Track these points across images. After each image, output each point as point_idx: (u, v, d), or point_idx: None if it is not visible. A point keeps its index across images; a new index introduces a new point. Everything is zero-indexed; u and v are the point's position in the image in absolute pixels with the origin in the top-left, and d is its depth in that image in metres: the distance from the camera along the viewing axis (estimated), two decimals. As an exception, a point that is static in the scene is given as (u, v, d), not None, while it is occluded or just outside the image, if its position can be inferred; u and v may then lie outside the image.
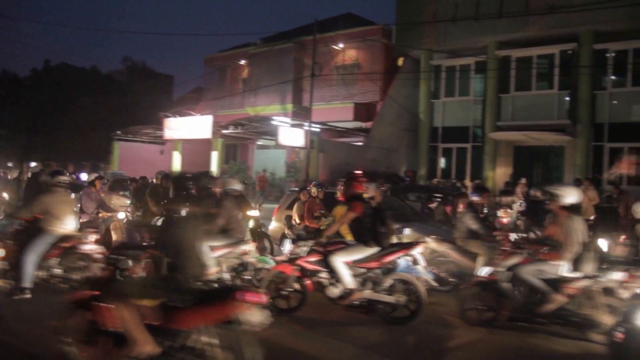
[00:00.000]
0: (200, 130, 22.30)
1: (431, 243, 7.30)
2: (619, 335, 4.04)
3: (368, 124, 23.39)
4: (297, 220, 8.95)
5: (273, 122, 20.99)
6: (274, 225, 10.57)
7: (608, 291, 5.74)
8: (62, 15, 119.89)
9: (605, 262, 7.82)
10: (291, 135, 21.11)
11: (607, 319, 5.54)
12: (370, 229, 6.28)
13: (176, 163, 24.85)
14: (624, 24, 17.52)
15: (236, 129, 22.65)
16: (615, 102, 18.93)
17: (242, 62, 28.69)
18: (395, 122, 23.07)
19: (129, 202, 11.53)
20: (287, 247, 6.72)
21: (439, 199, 12.13)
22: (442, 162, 22.51)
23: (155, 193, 10.00)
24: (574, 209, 5.97)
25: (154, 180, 10.63)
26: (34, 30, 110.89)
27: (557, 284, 5.75)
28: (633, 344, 3.92)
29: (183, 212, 4.30)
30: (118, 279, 4.03)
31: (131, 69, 49.63)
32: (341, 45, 24.79)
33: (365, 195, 7.80)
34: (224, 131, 22.84)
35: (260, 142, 27.02)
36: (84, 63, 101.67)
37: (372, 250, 6.26)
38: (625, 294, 5.76)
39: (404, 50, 22.88)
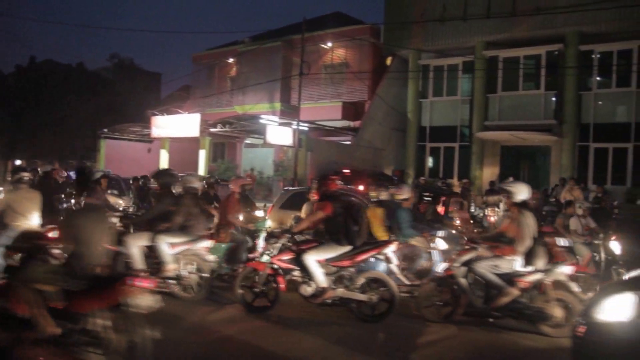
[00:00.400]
0: (188, 129, 22.18)
1: (482, 249, 7.00)
2: (580, 329, 4.14)
3: (356, 123, 23.42)
4: None
5: (261, 121, 20.93)
6: (268, 224, 10.48)
7: (559, 284, 6.00)
8: (47, 11, 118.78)
9: (616, 264, 7.97)
10: (279, 134, 21.07)
11: (558, 312, 5.83)
12: (343, 227, 6.33)
13: (163, 161, 24.69)
14: (609, 25, 17.73)
15: (224, 127, 22.56)
16: (600, 102, 19.15)
17: (231, 60, 28.58)
18: (383, 122, 23.13)
19: (121, 201, 11.40)
20: (261, 244, 6.79)
21: (429, 199, 12.18)
22: (429, 162, 22.62)
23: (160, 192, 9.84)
24: (525, 204, 6.22)
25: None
26: (18, 26, 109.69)
27: (510, 278, 5.97)
28: (593, 337, 4.02)
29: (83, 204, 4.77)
30: (26, 266, 4.24)
31: (118, 67, 49.28)
32: (329, 44, 24.79)
33: (399, 197, 7.93)
34: (212, 129, 22.74)
35: (248, 141, 26.94)
36: (70, 60, 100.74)
37: (345, 249, 6.31)
38: (575, 287, 6.07)
39: (392, 50, 22.94)
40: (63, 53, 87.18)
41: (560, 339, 5.57)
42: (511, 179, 16.15)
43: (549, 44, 18.83)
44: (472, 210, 11.43)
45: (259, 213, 9.49)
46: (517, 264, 6.06)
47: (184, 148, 25.34)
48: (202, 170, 23.36)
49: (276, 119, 21.83)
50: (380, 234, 7.24)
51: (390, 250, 6.88)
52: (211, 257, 7.09)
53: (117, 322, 4.13)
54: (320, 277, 6.20)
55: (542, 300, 5.90)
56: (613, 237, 8.42)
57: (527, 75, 19.80)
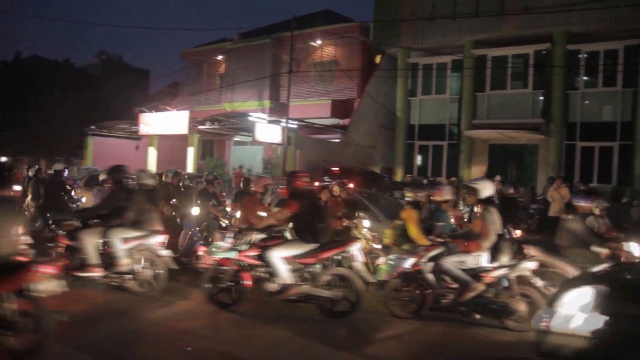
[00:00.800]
0: (177, 126, 22.06)
1: (540, 256, 7.03)
2: (544, 322, 4.28)
3: (345, 121, 23.44)
4: None
5: (250, 118, 20.88)
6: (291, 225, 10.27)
7: (523, 279, 6.13)
8: (34, 6, 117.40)
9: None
10: (268, 131, 21.03)
11: (522, 307, 5.94)
12: (309, 225, 6.42)
13: (152, 159, 24.56)
14: (595, 25, 17.89)
15: (213, 124, 22.48)
16: (587, 102, 19.32)
17: (220, 57, 28.46)
18: (372, 119, 23.17)
19: (84, 198, 11.28)
20: (229, 240, 6.87)
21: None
22: (418, 160, 22.70)
23: (166, 192, 9.71)
24: (490, 201, 6.35)
25: (164, 179, 10.36)
26: (4, 20, 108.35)
27: (476, 273, 6.09)
28: (556, 329, 4.18)
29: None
30: None
31: (106, 63, 48.88)
32: (319, 42, 24.78)
33: (438, 199, 7.78)
34: (201, 127, 22.65)
35: (237, 138, 26.87)
36: (57, 56, 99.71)
37: (310, 246, 6.38)
38: (539, 282, 6.20)
39: (381, 48, 22.98)
40: (49, 49, 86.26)
41: (525, 333, 5.68)
42: (498, 177, 16.28)
43: (537, 44, 18.96)
44: (461, 209, 11.47)
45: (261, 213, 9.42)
46: (482, 259, 6.18)
47: (172, 145, 25.21)
48: (190, 168, 23.28)
49: (265, 116, 21.79)
50: (417, 236, 7.14)
51: (356, 248, 6.99)
52: (165, 252, 7.15)
53: (23, 305, 4.42)
54: (285, 273, 6.26)
55: (507, 295, 6.02)
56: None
57: (515, 74, 19.93)
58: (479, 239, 6.18)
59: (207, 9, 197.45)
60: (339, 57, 25.01)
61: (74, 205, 11.47)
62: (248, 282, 6.46)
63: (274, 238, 6.79)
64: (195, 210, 9.43)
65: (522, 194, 15.47)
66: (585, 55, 19.11)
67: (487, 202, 6.34)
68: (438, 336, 5.92)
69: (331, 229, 6.87)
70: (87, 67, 48.52)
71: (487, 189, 6.40)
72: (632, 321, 3.89)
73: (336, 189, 8.87)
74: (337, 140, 22.88)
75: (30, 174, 11.49)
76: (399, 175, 21.46)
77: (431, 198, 8.08)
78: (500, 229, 6.23)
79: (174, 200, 9.73)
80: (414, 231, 7.18)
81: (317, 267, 6.41)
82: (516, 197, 13.63)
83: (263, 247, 6.47)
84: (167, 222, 8.75)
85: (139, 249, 7.06)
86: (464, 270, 6.12)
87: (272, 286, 6.34)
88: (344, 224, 8.58)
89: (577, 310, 4.09)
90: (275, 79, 25.15)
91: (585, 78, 19.66)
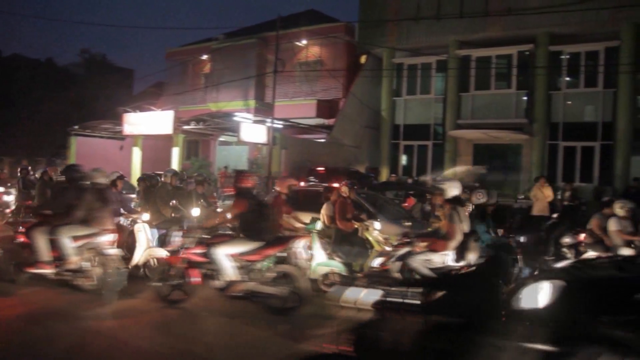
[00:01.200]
0: (161, 126, 21.88)
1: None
2: (503, 317, 4.36)
3: (331, 121, 23.45)
4: (327, 222, 8.54)
5: (235, 118, 20.79)
6: (319, 226, 10.20)
7: None
8: (14, 4, 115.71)
9: None
10: (253, 131, 20.96)
11: None
12: (255, 223, 6.56)
13: (136, 159, 24.34)
14: (576, 27, 18.13)
15: (198, 124, 22.34)
16: (569, 102, 19.56)
17: (204, 57, 28.31)
18: (358, 119, 23.21)
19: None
20: (177, 238, 6.97)
21: (414, 197, 12.31)
22: (403, 159, 22.80)
23: (165, 192, 9.60)
24: (457, 201, 6.49)
25: (163, 179, 10.26)
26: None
27: (443, 272, 6.11)
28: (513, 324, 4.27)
29: None
30: None
31: (89, 62, 48.30)
32: (304, 42, 24.76)
33: (485, 202, 7.66)
34: (185, 127, 22.49)
35: (222, 138, 26.74)
36: (39, 55, 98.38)
37: (256, 244, 6.50)
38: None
39: (366, 48, 23.04)
40: (31, 48, 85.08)
41: None
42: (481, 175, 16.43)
43: (520, 44, 19.16)
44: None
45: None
46: (449, 258, 6.30)
47: (157, 145, 25.00)
48: (175, 168, 23.11)
49: (250, 116, 21.71)
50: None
51: (300, 245, 7.10)
52: (113, 251, 7.22)
53: None
54: (229, 270, 6.37)
55: None
56: None
57: (499, 75, 20.12)
58: (446, 238, 6.30)
59: (192, 9, 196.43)
60: (324, 57, 25.02)
61: None
62: (196, 280, 6.58)
63: (221, 235, 6.93)
64: (195, 211, 9.31)
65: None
66: (568, 57, 19.36)
67: (454, 202, 6.45)
68: (403, 333, 6.02)
69: (276, 227, 7.06)
70: (69, 66, 47.90)
71: (453, 189, 6.51)
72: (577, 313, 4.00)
73: (345, 190, 8.67)
74: (322, 140, 22.88)
75: (36, 175, 11.59)
76: (384, 175, 21.54)
77: (479, 201, 7.83)
78: (468, 229, 6.34)
79: (174, 201, 9.59)
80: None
81: (264, 265, 6.51)
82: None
83: (208, 244, 6.59)
84: (168, 223, 8.72)
85: (87, 247, 7.14)
86: (432, 269, 6.22)
87: (217, 283, 6.46)
88: (355, 225, 8.37)
89: (533, 304, 4.18)
90: (260, 79, 25.09)
91: (567, 79, 19.92)
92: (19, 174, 13.83)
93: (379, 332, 3.30)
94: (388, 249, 8.25)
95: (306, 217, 8.78)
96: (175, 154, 23.27)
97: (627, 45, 17.64)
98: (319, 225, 8.51)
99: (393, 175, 20.94)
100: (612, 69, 18.33)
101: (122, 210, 8.96)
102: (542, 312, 4.12)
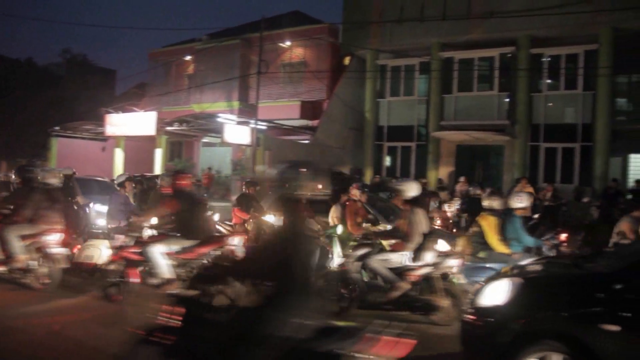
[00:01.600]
0: (144, 127, 21.72)
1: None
2: (468, 315, 4.60)
3: (314, 122, 23.47)
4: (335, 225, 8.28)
5: (219, 119, 20.73)
6: (340, 230, 10.03)
7: (445, 276, 6.39)
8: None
9: None
10: (237, 132, 20.91)
11: (445, 302, 6.18)
12: (189, 222, 6.67)
13: (118, 160, 24.13)
14: (557, 30, 18.38)
15: (181, 125, 22.24)
16: (550, 104, 19.83)
17: (188, 57, 28.15)
18: (341, 121, 23.26)
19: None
20: (119, 237, 7.19)
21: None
22: (387, 161, 22.90)
23: (159, 196, 9.41)
24: (416, 202, 6.56)
25: (159, 182, 10.15)
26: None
27: (401, 272, 6.30)
28: (477, 321, 4.48)
29: None
30: None
31: (70, 62, 47.69)
32: (288, 43, 24.76)
33: (518, 205, 7.29)
34: (169, 128, 22.38)
35: (205, 140, 26.62)
36: (19, 54, 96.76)
37: (189, 242, 6.60)
38: (460, 279, 6.48)
39: (350, 49, 23.10)
40: (10, 47, 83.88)
41: (449, 327, 5.92)
42: (462, 179, 16.60)
43: (502, 47, 19.38)
44: (431, 209, 11.69)
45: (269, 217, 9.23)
46: (407, 258, 6.36)
47: (139, 147, 24.81)
48: (158, 169, 22.95)
49: (234, 117, 21.67)
50: (496, 244, 6.91)
51: (235, 242, 7.25)
52: (59, 250, 7.31)
53: None
54: (163, 268, 6.44)
55: (431, 292, 6.21)
56: None
57: (481, 77, 20.33)
58: (404, 239, 6.36)
59: (175, 9, 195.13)
60: (308, 58, 25.04)
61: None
62: (134, 278, 6.65)
63: (158, 235, 6.99)
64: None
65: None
66: (548, 59, 19.63)
67: (413, 202, 6.52)
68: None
69: (209, 225, 7.29)
70: (50, 66, 47.26)
71: (411, 190, 6.56)
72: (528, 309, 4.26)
73: (355, 193, 8.41)
74: (306, 142, 22.90)
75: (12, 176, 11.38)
76: (367, 176, 21.62)
77: (511, 205, 7.42)
78: (427, 229, 6.44)
79: None
80: (493, 239, 6.95)
81: (198, 263, 6.56)
82: (480, 196, 13.86)
83: (143, 243, 6.70)
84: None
85: (35, 246, 7.27)
86: (390, 269, 6.28)
87: (154, 281, 6.52)
88: (371, 228, 8.01)
89: (495, 302, 4.38)
90: (244, 80, 25.03)
91: (548, 81, 20.19)
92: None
93: None
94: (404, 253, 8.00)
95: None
96: (158, 155, 23.12)
97: (606, 48, 17.92)
98: (340, 230, 8.21)
99: (377, 176, 21.02)
100: (591, 72, 18.62)
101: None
102: (501, 309, 4.31)
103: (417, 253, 6.36)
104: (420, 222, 6.39)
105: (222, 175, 24.31)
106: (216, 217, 10.32)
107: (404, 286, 6.16)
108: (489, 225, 7.12)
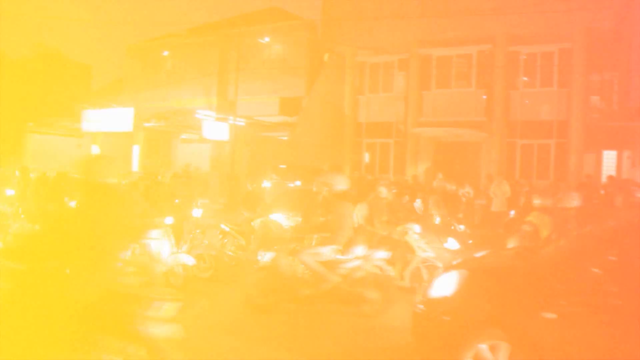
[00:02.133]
0: (121, 123, 21.47)
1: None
2: (420, 307, 4.74)
3: (293, 119, 23.42)
4: (364, 223, 8.07)
5: (197, 116, 20.59)
6: None
7: (376, 269, 6.56)
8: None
9: None
10: (216, 129, 20.80)
11: (375, 294, 6.28)
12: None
13: (94, 157, 23.77)
14: (532, 28, 18.62)
15: (159, 122, 22.03)
16: (527, 101, 20.10)
17: (166, 53, 27.82)
18: (320, 117, 23.26)
19: None
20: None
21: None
22: (366, 157, 22.97)
23: (163, 192, 9.43)
24: (345, 196, 6.61)
25: (159, 178, 9.98)
26: None
27: (332, 265, 6.35)
28: (427, 312, 4.63)
29: None
30: None
31: (43, 57, 46.76)
32: (267, 39, 24.62)
33: (568, 204, 6.86)
34: (147, 124, 22.15)
35: (184, 136, 26.40)
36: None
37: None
38: (391, 271, 6.72)
39: (329, 46, 23.10)
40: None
41: (381, 318, 6.11)
42: (440, 175, 16.75)
43: (480, 44, 19.58)
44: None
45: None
46: (337, 252, 6.41)
47: (117, 143, 24.49)
48: (136, 166, 22.71)
49: (212, 113, 21.53)
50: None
51: (152, 235, 7.13)
52: None
53: None
54: None
55: (361, 285, 6.31)
56: None
57: (459, 74, 20.52)
58: (333, 232, 6.42)
59: (153, 3, 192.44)
60: (287, 54, 24.93)
61: None
62: None
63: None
64: (197, 212, 9.03)
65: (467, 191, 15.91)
66: (525, 57, 19.89)
67: (341, 196, 6.55)
68: (299, 326, 6.13)
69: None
70: (22, 60, 46.25)
71: (340, 184, 6.60)
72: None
73: (382, 191, 8.17)
74: (285, 138, 22.85)
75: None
76: (346, 173, 21.67)
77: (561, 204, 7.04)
78: (356, 223, 6.56)
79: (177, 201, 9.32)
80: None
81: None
82: (457, 192, 14.06)
83: None
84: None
85: None
86: (321, 263, 6.33)
87: None
88: (397, 229, 7.85)
89: (444, 293, 4.54)
90: (223, 76, 24.85)
91: (525, 78, 20.46)
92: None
93: None
94: (428, 254, 7.73)
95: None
96: (136, 151, 22.88)
97: (579, 46, 18.26)
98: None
99: (356, 172, 21.09)
100: (565, 70, 18.94)
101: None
102: (449, 300, 4.47)
103: (348, 246, 6.40)
104: (349, 215, 6.51)
105: (201, 172, 24.17)
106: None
107: (334, 279, 6.22)
108: (543, 224, 7.07)
